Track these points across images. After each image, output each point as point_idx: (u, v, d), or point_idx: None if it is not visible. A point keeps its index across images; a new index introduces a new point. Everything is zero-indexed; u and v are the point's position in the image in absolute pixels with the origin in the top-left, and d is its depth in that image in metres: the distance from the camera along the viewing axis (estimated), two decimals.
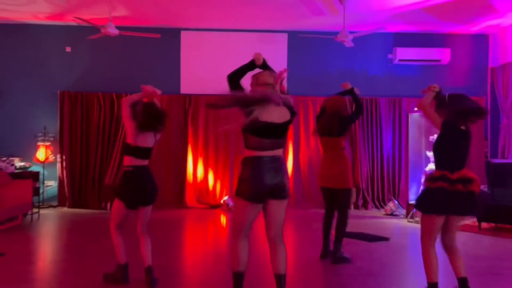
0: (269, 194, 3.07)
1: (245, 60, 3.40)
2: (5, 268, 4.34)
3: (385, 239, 5.75)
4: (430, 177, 3.42)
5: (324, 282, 4.20)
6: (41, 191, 7.88)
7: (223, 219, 7.41)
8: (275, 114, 3.10)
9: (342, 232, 4.60)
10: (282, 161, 3.18)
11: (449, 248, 3.49)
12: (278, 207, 3.14)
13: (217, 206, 8.25)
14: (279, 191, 3.10)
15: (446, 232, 3.47)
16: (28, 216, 6.94)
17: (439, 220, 3.36)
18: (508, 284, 4.18)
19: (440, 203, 3.33)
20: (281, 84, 3.24)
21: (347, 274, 4.26)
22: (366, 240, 5.64)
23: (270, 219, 3.16)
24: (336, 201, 4.66)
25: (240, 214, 3.16)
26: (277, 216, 3.15)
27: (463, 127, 3.43)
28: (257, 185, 3.04)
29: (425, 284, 3.42)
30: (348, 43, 7.32)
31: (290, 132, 8.58)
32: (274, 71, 3.30)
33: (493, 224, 6.58)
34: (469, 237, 5.99)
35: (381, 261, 4.76)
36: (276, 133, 3.13)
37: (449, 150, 3.40)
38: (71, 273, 4.25)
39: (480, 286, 3.87)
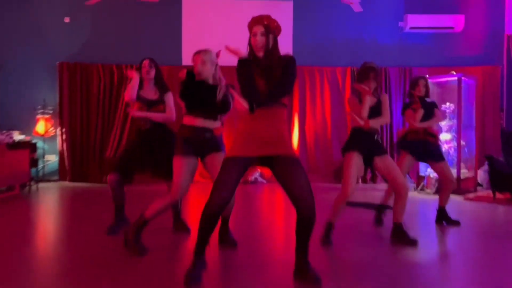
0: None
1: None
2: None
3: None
4: None
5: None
6: (41, 165, 7.72)
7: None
8: None
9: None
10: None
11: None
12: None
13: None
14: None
15: None
16: (27, 188, 6.77)
17: None
18: None
19: None
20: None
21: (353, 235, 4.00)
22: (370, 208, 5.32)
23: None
24: None
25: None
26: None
27: None
28: None
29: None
30: (356, 7, 6.99)
31: (296, 105, 8.30)
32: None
33: (508, 195, 6.24)
34: (484, 206, 5.67)
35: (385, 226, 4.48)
36: None
37: None
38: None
39: (498, 248, 3.59)
